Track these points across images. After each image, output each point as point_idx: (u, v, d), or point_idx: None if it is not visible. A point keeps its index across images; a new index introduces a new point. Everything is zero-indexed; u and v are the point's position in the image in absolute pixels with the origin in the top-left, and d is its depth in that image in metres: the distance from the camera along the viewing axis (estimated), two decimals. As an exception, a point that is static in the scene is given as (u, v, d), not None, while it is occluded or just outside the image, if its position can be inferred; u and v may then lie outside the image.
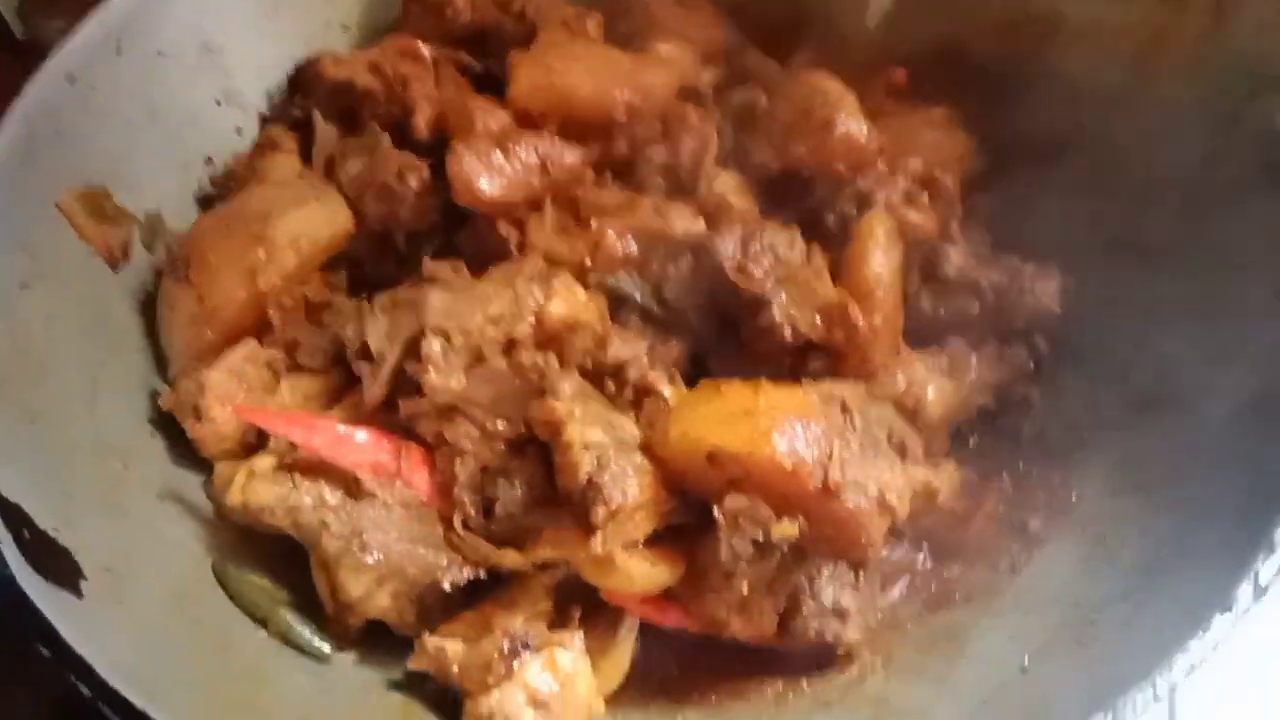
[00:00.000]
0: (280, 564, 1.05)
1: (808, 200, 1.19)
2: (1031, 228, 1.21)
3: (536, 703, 0.95)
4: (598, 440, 0.97)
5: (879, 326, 1.09)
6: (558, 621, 1.03)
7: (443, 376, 1.01)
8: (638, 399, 1.04)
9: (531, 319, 1.05)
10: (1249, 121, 1.09)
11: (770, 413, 0.96)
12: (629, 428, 1.01)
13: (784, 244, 1.09)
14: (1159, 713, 1.05)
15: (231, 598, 1.03)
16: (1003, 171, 1.28)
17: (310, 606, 1.04)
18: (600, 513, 0.93)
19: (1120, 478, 1.11)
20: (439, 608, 1.03)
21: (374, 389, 1.05)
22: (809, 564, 1.00)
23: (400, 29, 1.35)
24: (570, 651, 0.98)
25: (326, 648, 1.02)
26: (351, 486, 1.02)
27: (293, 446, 1.05)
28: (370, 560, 1.00)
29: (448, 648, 0.97)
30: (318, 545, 1.02)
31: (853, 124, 1.17)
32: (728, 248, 1.07)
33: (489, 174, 1.12)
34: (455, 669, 0.97)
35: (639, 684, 1.06)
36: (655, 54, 1.28)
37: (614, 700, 1.04)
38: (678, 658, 1.07)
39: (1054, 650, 0.99)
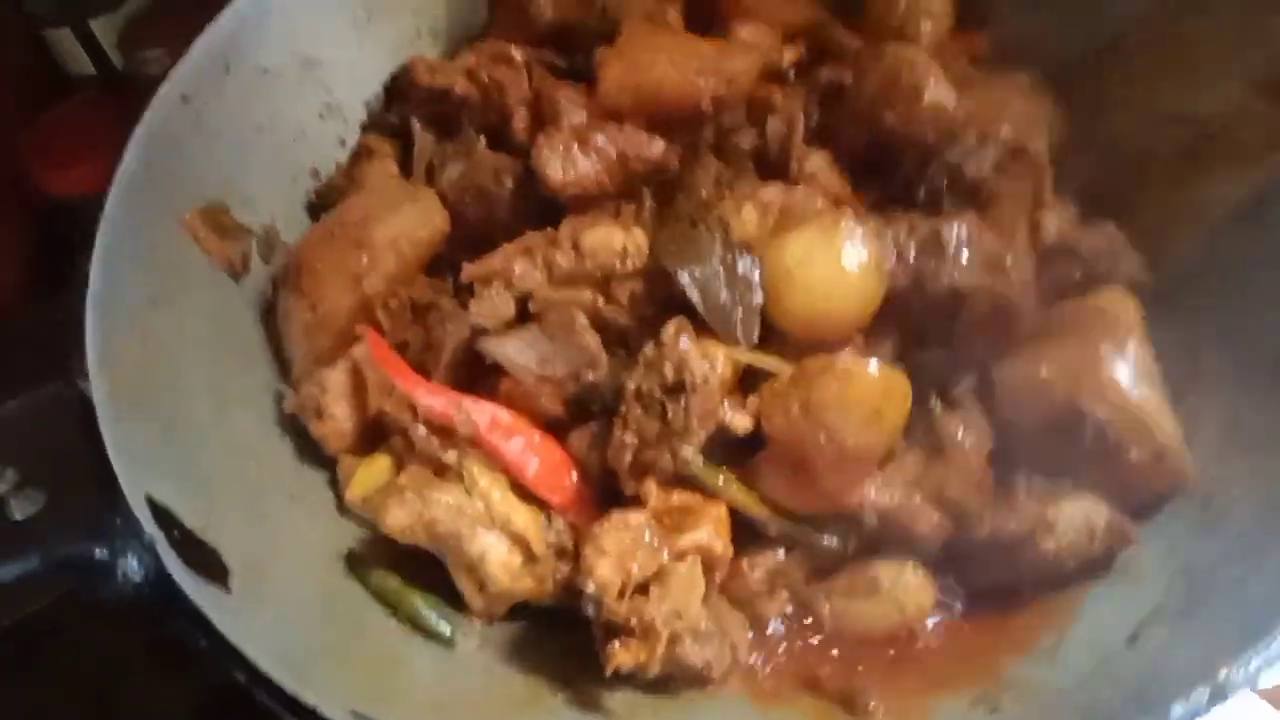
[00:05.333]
0: (407, 554, 1.08)
1: (897, 176, 1.18)
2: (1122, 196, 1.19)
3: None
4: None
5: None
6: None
7: None
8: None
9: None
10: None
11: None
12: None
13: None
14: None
15: (365, 587, 1.08)
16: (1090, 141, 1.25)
17: (436, 593, 1.08)
18: None
19: (1226, 440, 1.09)
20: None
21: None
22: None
23: (487, 32, 1.38)
24: None
25: (452, 632, 1.07)
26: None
27: (409, 444, 1.10)
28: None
29: None
30: (458, 549, 1.04)
31: (941, 91, 1.16)
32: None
33: (568, 166, 1.15)
34: None
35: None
36: (737, 38, 1.29)
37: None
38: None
39: (1163, 616, 0.99)
